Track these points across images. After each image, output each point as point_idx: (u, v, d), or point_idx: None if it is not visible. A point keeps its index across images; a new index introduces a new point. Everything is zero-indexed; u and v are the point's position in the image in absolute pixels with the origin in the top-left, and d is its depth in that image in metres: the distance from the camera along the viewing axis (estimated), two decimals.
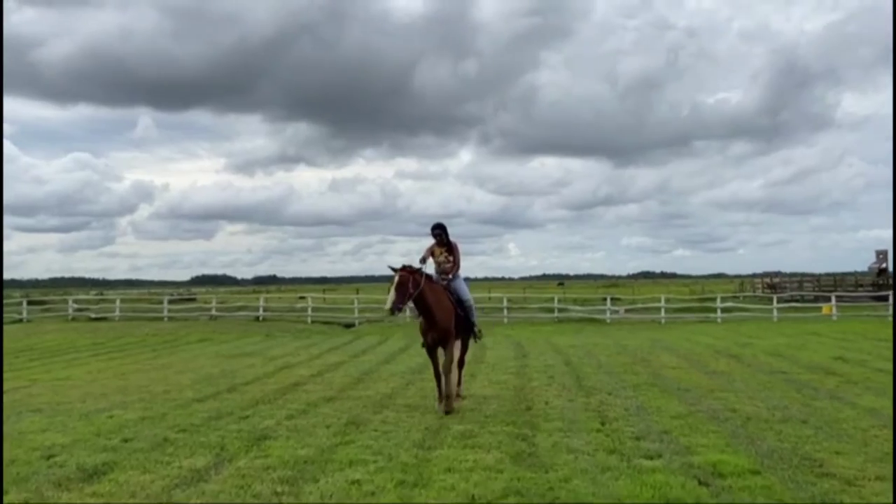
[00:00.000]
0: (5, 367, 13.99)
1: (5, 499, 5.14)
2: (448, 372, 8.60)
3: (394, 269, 8.28)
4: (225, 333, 22.63)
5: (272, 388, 10.53)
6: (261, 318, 29.25)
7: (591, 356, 14.81)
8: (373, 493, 5.23)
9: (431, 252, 9.14)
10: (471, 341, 9.78)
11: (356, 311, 29.28)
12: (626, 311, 30.53)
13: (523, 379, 11.37)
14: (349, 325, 26.90)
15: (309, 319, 28.65)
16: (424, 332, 8.76)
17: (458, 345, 9.42)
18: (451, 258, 9.20)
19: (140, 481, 5.58)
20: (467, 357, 10.11)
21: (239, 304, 34.53)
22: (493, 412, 8.42)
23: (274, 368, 13.17)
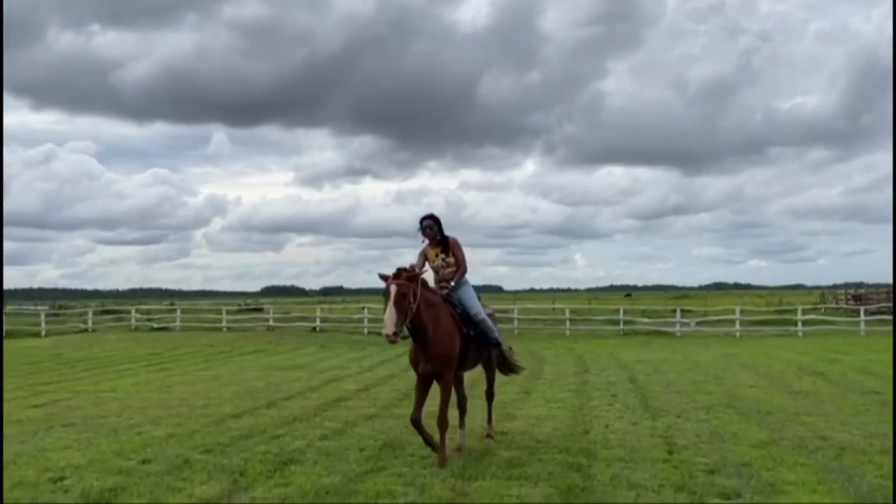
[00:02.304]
0: (58, 377, 13.97)
1: None
2: (443, 423, 6.41)
3: (384, 278, 6.09)
4: (280, 344, 22.40)
5: (313, 404, 9.96)
6: (317, 329, 29.05)
7: (658, 373, 13.72)
8: None
9: (425, 256, 6.91)
10: (496, 371, 7.69)
11: None
12: (698, 323, 28.94)
13: (583, 398, 10.46)
14: (406, 337, 26.34)
15: (365, 330, 28.25)
16: (415, 362, 6.61)
17: (482, 376, 7.72)
18: (450, 260, 6.93)
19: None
20: (496, 383, 7.94)
21: (296, 314, 34.55)
22: (546, 436, 7.59)
23: (320, 382, 12.64)
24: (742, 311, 27.12)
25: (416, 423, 6.46)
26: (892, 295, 31.87)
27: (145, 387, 12.31)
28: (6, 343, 25.15)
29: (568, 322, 28.54)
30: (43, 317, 30.77)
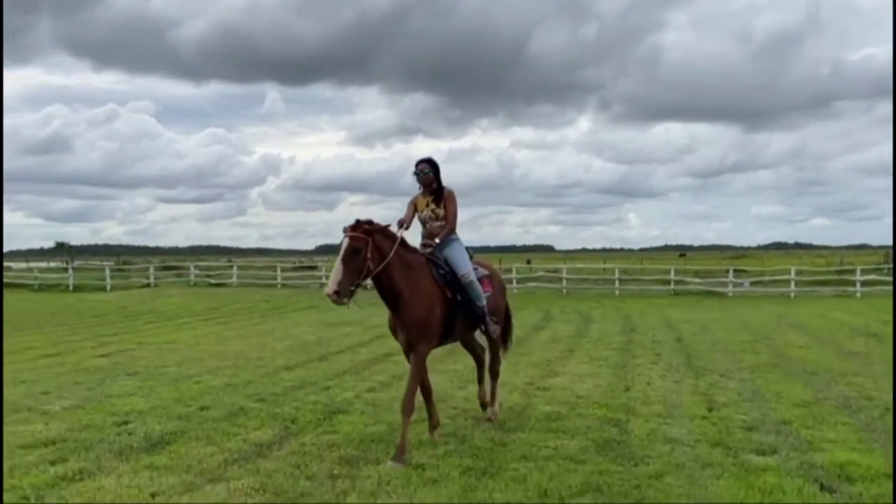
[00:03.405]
0: (122, 330, 14.70)
1: (65, 466, 5.07)
2: (408, 407, 5.44)
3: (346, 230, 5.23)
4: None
5: (362, 359, 10.30)
6: (368, 287, 29.48)
7: (706, 332, 13.64)
8: (434, 482, 4.73)
9: (415, 206, 6.07)
10: (489, 345, 6.74)
11: None
12: (752, 283, 28.36)
13: (626, 356, 10.52)
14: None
15: None
16: (394, 329, 5.82)
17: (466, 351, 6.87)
18: (440, 212, 6.00)
19: (199, 454, 5.37)
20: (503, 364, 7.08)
21: None
22: (587, 392, 7.72)
23: (370, 337, 13.00)
24: (797, 272, 26.44)
25: (425, 393, 5.85)
26: None
27: (203, 339, 12.88)
28: (76, 296, 26.45)
29: (617, 282, 28.35)
30: (108, 272, 32.14)
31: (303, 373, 9.09)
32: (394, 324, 5.76)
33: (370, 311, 19.55)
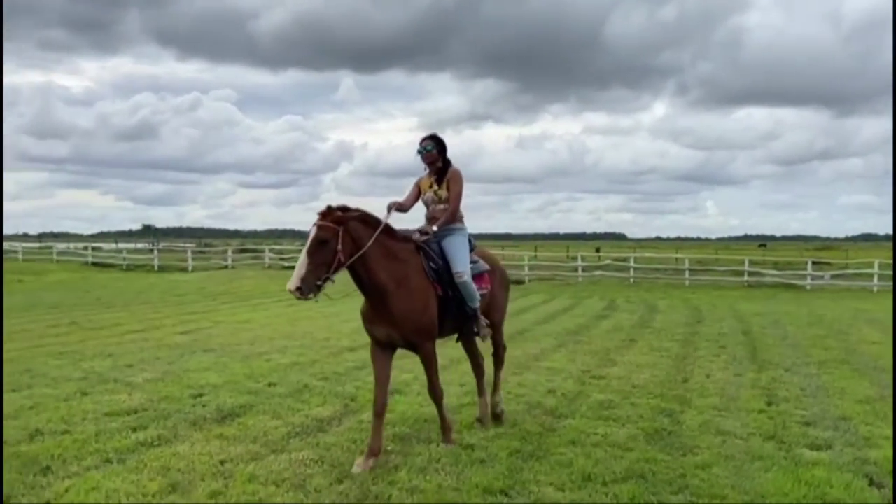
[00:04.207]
0: (202, 308, 15.49)
1: (145, 433, 5.52)
2: (437, 392, 5.31)
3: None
4: None
5: None
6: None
7: (776, 326, 13.30)
8: (482, 462, 4.93)
9: (418, 188, 5.54)
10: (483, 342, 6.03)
11: (526, 267, 28.97)
12: (833, 276, 27.24)
13: (689, 347, 10.43)
14: (518, 282, 26.68)
15: None
16: (370, 321, 5.09)
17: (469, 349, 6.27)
18: (443, 194, 5.39)
19: (266, 427, 5.74)
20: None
21: None
22: (643, 382, 7.74)
23: None
24: (881, 265, 25.24)
25: (378, 414, 4.97)
26: None
27: (275, 320, 13.46)
28: (160, 276, 27.89)
29: (687, 272, 27.76)
30: (189, 254, 33.77)
31: (365, 354, 9.34)
32: (369, 315, 5.04)
33: None
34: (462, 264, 5.22)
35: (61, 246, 42.81)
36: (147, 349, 9.62)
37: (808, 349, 10.33)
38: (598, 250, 42.88)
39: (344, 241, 4.56)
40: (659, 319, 14.38)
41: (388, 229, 4.96)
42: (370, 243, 4.70)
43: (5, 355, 9.08)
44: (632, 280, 27.05)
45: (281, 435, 5.52)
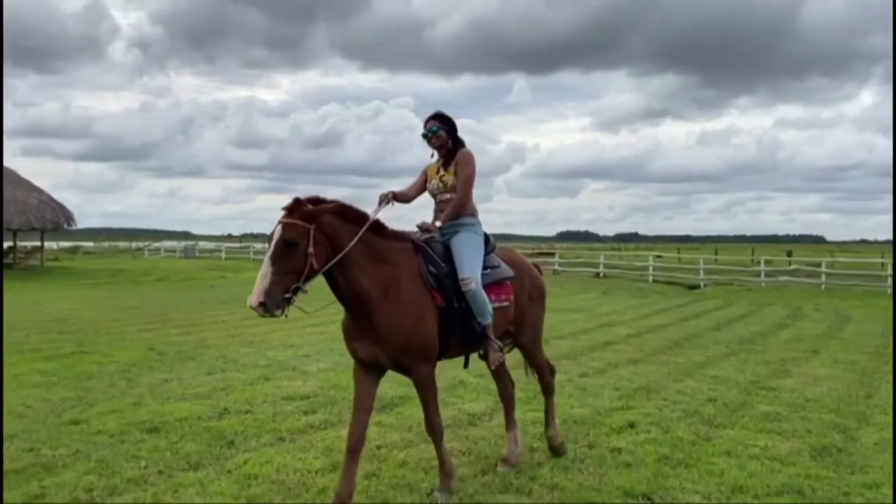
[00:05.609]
0: None
1: (314, 416, 6.07)
2: (434, 428, 4.29)
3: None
4: (563, 288, 23.26)
5: (581, 345, 10.52)
6: (601, 275, 29.40)
7: None
8: (627, 465, 4.89)
9: (425, 175, 4.68)
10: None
11: (701, 271, 27.51)
12: None
13: (879, 361, 9.47)
14: (693, 287, 25.44)
15: (650, 278, 27.87)
16: (350, 335, 4.18)
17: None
18: (448, 180, 4.51)
19: (420, 417, 5.96)
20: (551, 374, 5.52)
21: (582, 259, 35.28)
22: (818, 396, 7.18)
23: (594, 325, 13.13)
24: None
25: (352, 450, 4.10)
26: None
27: None
28: None
29: (890, 279, 24.89)
30: None
31: (521, 355, 9.56)
32: (350, 330, 4.16)
33: (600, 300, 19.65)
34: (469, 269, 4.22)
35: (258, 245, 47.15)
36: (323, 341, 10.44)
37: None
38: (789, 254, 39.50)
39: (316, 241, 3.69)
40: (849, 330, 13.13)
41: (377, 225, 4.07)
42: (353, 243, 3.83)
43: (208, 342, 10.32)
44: (823, 287, 24.80)
45: None
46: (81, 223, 32.75)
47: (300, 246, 3.64)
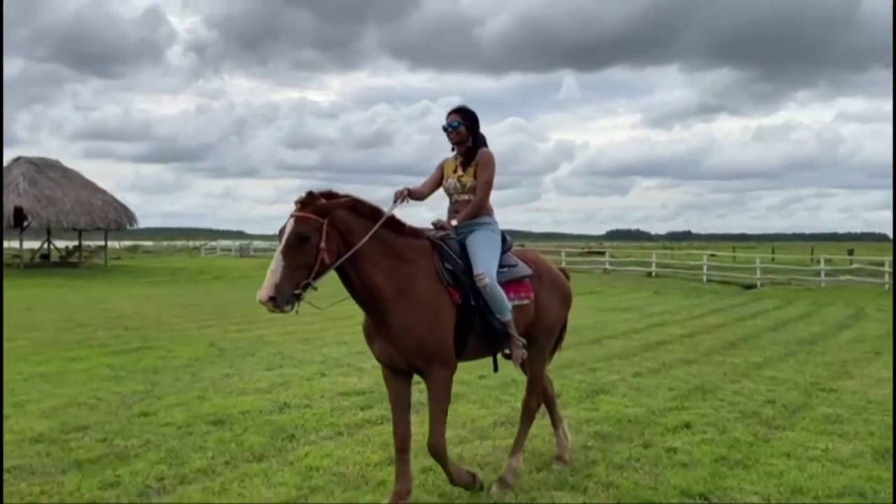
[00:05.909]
0: None
1: (370, 412, 6.21)
2: (437, 440, 4.09)
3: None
4: (614, 287, 23.07)
5: (634, 345, 10.44)
6: (653, 274, 28.99)
7: None
8: (684, 465, 4.87)
9: (441, 171, 4.52)
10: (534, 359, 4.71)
11: (758, 271, 26.86)
12: None
13: None
14: (749, 287, 24.87)
15: (704, 278, 27.34)
16: (370, 336, 4.14)
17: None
18: (467, 180, 4.37)
19: (473, 415, 6.16)
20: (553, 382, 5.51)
21: (633, 259, 34.82)
22: (882, 398, 7.00)
23: (646, 325, 13.00)
24: None
25: (400, 450, 4.16)
26: None
27: None
28: None
29: None
30: None
31: (574, 353, 9.55)
32: (368, 328, 4.13)
33: (652, 299, 19.41)
34: (484, 264, 4.11)
35: None
36: None
37: None
38: (850, 252, 38.27)
39: (329, 236, 3.63)
40: None
41: (393, 221, 3.97)
42: (366, 239, 3.75)
43: (266, 339, 10.61)
44: (886, 286, 23.96)
45: (487, 423, 5.91)
46: (141, 223, 33.89)
47: (312, 240, 3.58)
